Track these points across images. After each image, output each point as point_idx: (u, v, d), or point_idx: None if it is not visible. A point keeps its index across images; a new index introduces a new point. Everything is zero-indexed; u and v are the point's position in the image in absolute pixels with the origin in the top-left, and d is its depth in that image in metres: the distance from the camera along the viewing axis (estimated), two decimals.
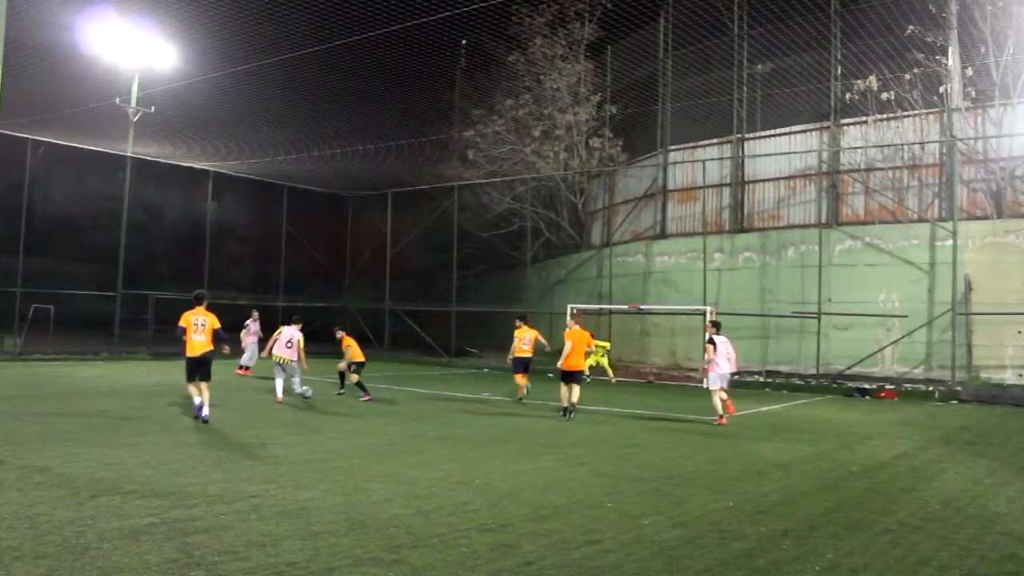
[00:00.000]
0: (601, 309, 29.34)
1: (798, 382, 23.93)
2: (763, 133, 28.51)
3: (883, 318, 23.44)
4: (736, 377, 16.72)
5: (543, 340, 18.87)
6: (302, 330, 17.16)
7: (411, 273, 39.63)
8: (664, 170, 30.57)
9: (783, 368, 25.01)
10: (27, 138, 30.45)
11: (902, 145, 25.13)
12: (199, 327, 13.12)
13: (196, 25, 24.10)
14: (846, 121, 26.41)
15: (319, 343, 26.71)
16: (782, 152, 27.66)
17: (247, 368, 22.80)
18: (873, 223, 25.05)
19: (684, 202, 30.18)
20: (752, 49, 28.36)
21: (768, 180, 28.11)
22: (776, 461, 10.62)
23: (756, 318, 25.66)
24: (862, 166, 26.04)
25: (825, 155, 26.81)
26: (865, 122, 25.54)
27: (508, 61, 32.83)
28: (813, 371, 24.13)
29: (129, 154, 30.94)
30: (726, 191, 28.91)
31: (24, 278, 29.66)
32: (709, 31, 28.62)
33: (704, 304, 25.61)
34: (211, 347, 13.25)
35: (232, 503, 7.32)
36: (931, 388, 21.78)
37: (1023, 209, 23.20)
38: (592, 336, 17.80)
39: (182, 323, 13.17)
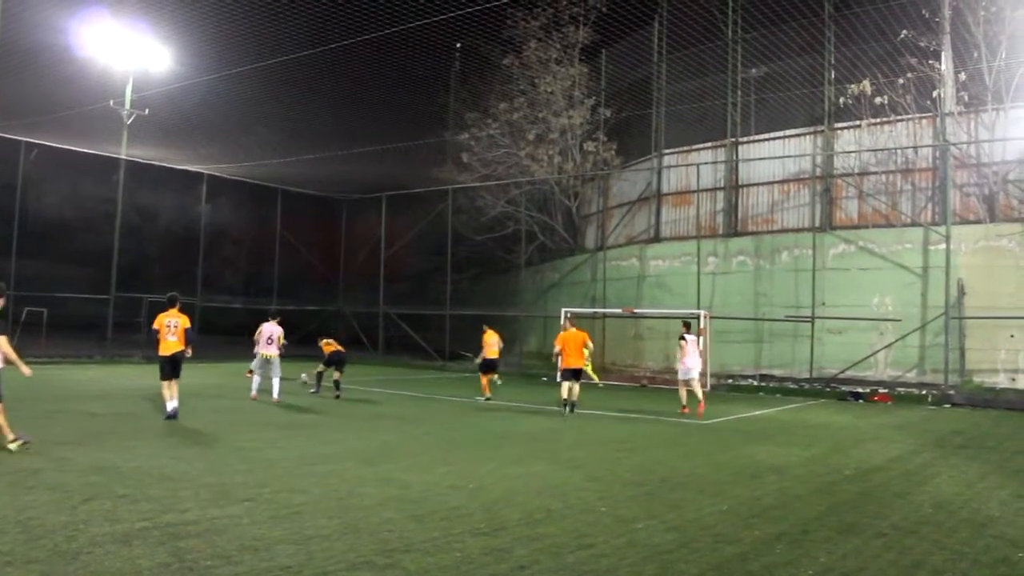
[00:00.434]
0: (595, 313, 29.34)
1: (792, 386, 23.96)
2: (757, 137, 28.55)
3: (876, 322, 23.48)
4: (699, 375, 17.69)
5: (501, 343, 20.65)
6: (280, 324, 17.85)
7: (405, 276, 39.59)
8: (658, 174, 30.60)
9: (777, 372, 25.04)
10: (20, 140, 30.38)
11: (895, 149, 25.20)
12: (171, 328, 13.72)
13: (191, 27, 24.06)
14: (840, 125, 26.45)
15: (312, 347, 26.69)
16: (776, 156, 27.71)
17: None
18: (867, 227, 25.10)
19: (678, 206, 30.21)
20: (746, 53, 28.41)
21: (762, 184, 28.16)
22: (770, 465, 10.63)
23: (750, 322, 25.70)
24: (856, 170, 26.09)
25: (819, 159, 26.85)
26: (859, 126, 25.59)
27: (503, 65, 32.84)
28: (807, 375, 24.15)
29: (123, 157, 30.88)
30: (720, 195, 28.95)
31: (17, 281, 29.51)
32: (703, 35, 28.66)
33: (698, 308, 25.64)
34: (182, 347, 13.82)
35: (225, 507, 7.30)
36: (924, 392, 21.82)
37: (1016, 213, 23.26)
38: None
39: (155, 324, 13.85)
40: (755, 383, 24.73)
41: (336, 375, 18.82)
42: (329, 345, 19.46)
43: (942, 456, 11.90)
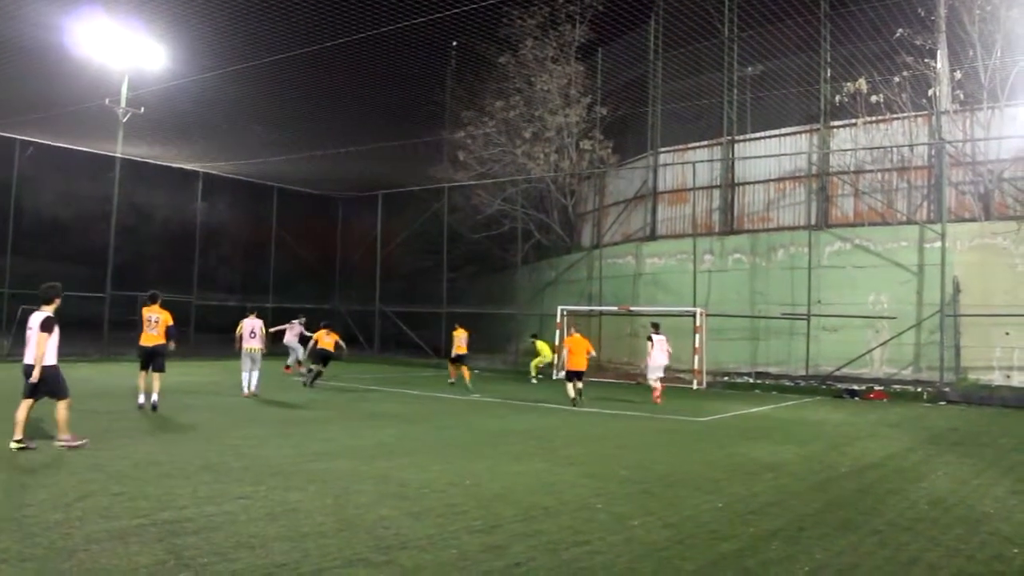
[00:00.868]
0: (591, 311, 29.35)
1: (788, 383, 24.00)
2: (753, 135, 28.57)
3: (872, 320, 23.53)
4: (670, 371, 19.83)
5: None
6: (259, 317, 18.24)
7: (401, 274, 39.58)
8: (654, 172, 30.61)
9: (773, 369, 25.07)
10: (15, 138, 30.29)
11: (891, 147, 25.24)
12: (151, 323, 14.42)
13: (186, 25, 24.00)
14: (835, 123, 26.48)
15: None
16: (772, 154, 27.74)
17: (289, 367, 24.89)
18: (862, 225, 25.13)
19: (674, 204, 30.23)
20: (742, 51, 28.42)
21: (758, 182, 28.18)
22: (766, 462, 10.64)
23: (746, 319, 25.73)
24: (851, 168, 26.13)
25: (815, 157, 26.89)
26: (854, 124, 25.62)
27: (499, 63, 32.82)
28: (802, 372, 24.19)
29: (118, 155, 30.80)
30: (716, 193, 28.96)
31: (12, 279, 29.50)
32: (699, 33, 28.66)
33: (694, 306, 25.67)
34: (162, 341, 14.44)
35: (221, 504, 7.29)
36: (920, 389, 21.87)
37: (1011, 211, 23.31)
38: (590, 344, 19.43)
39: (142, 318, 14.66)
40: (751, 381, 24.77)
41: (318, 368, 20.57)
42: (330, 335, 20.71)
43: (937, 453, 11.92)
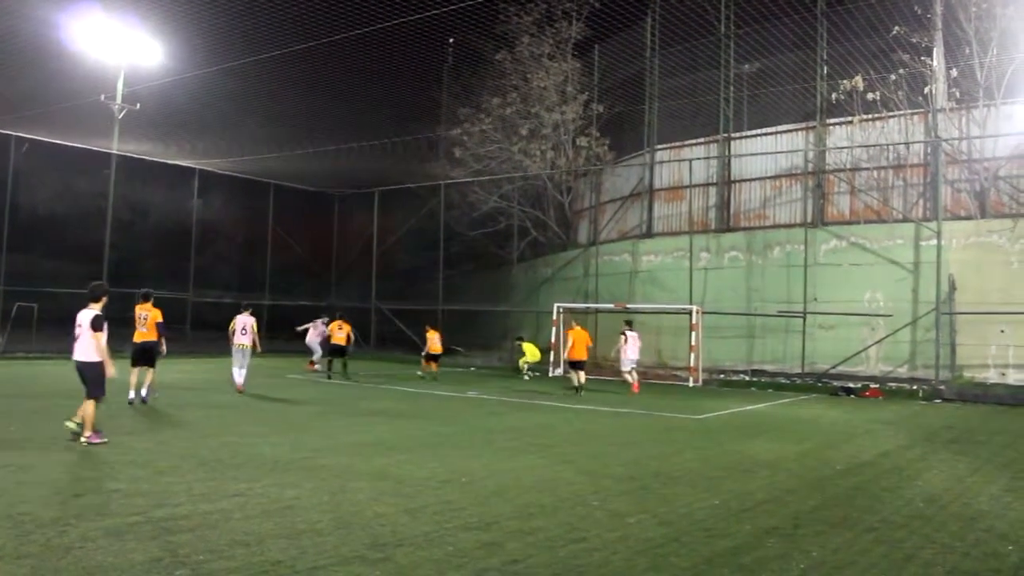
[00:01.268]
0: (587, 308, 29.37)
1: (783, 381, 24.02)
2: (749, 133, 28.59)
3: (868, 317, 23.56)
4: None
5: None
6: (252, 315, 18.57)
7: (398, 272, 39.52)
8: (651, 169, 30.62)
9: (769, 367, 25.10)
10: (10, 135, 30.22)
11: (887, 145, 25.25)
12: (142, 320, 15.14)
13: (182, 21, 23.95)
14: (832, 121, 26.49)
15: (303, 343, 26.64)
16: (768, 152, 27.75)
17: (312, 363, 25.49)
18: (858, 223, 25.16)
19: (670, 201, 30.24)
20: (739, 49, 28.42)
21: (754, 180, 28.20)
22: (762, 459, 10.66)
23: (742, 317, 25.75)
24: (847, 166, 26.16)
25: (811, 155, 26.90)
26: (851, 122, 25.63)
27: (495, 60, 32.81)
28: (798, 370, 24.22)
29: (114, 151, 30.73)
30: (712, 190, 28.98)
31: (7, 276, 29.43)
32: (696, 31, 28.66)
33: (690, 303, 25.68)
34: (153, 337, 15.08)
35: (217, 502, 7.29)
36: (915, 387, 21.90)
37: (1006, 209, 23.36)
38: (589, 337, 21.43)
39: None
40: (747, 378, 24.79)
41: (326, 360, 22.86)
42: (342, 329, 22.64)
43: (933, 451, 11.95)
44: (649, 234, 30.08)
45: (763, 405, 18.73)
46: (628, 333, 21.64)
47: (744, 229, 27.60)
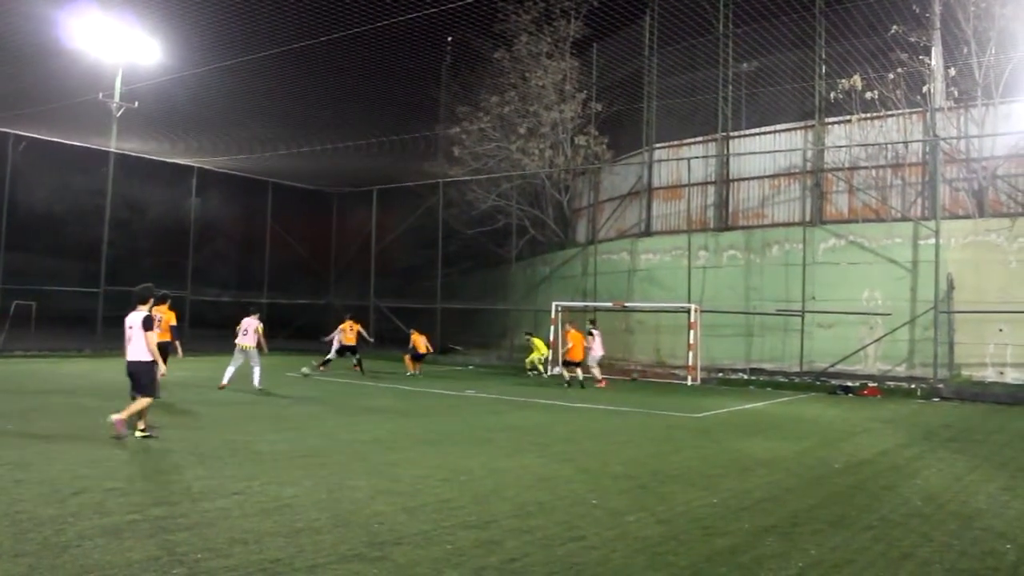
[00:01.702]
0: (586, 307, 29.36)
1: (782, 380, 24.02)
2: (748, 131, 28.60)
3: (866, 316, 23.57)
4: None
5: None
6: (260, 319, 18.74)
7: (396, 270, 39.54)
8: (649, 168, 30.62)
9: (767, 366, 25.11)
10: (8, 133, 30.20)
11: (885, 144, 25.26)
12: (156, 322, 15.31)
13: (180, 19, 23.95)
14: (830, 120, 26.51)
15: (303, 341, 26.64)
16: (767, 151, 27.77)
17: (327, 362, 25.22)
18: (857, 222, 25.17)
19: (669, 200, 30.25)
20: (737, 48, 28.43)
21: (752, 178, 28.22)
22: (760, 458, 10.66)
23: (740, 316, 25.76)
24: (846, 165, 26.17)
25: (809, 154, 26.92)
26: (849, 121, 25.65)
27: (494, 58, 32.79)
28: (797, 369, 24.23)
29: (112, 150, 30.72)
30: (711, 189, 28.99)
31: (5, 274, 29.41)
32: (694, 29, 28.66)
33: (689, 302, 25.68)
34: (167, 339, 15.40)
35: (215, 500, 7.28)
36: (913, 386, 21.91)
37: (1005, 208, 23.37)
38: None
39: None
40: (745, 377, 24.79)
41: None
42: (352, 328, 23.84)
43: (931, 449, 11.96)
44: (647, 233, 30.08)
45: (761, 404, 18.74)
46: (594, 331, 23.15)
47: (743, 228, 27.61)
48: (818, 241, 24.81)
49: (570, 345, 22.16)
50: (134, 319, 10.94)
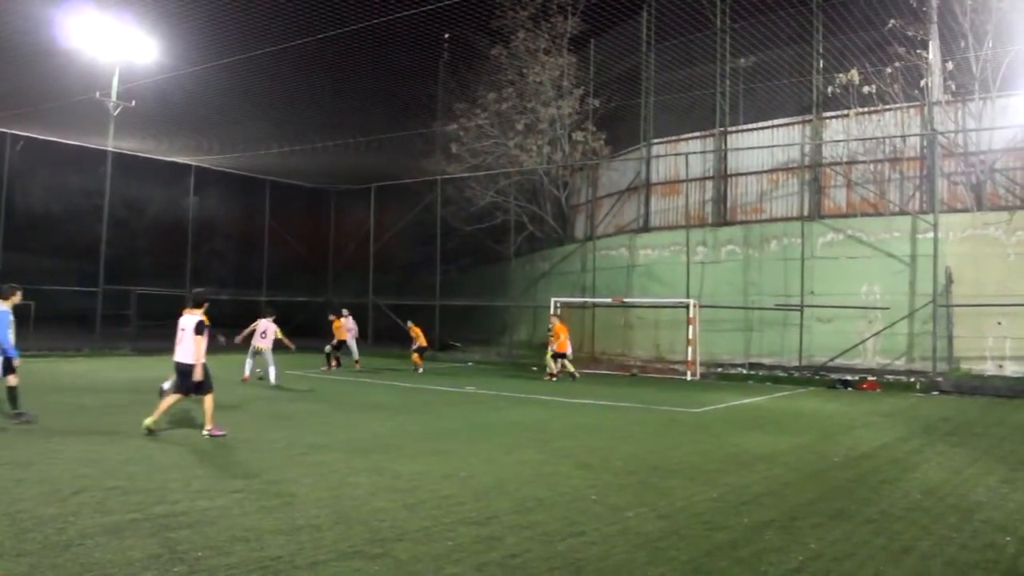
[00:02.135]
0: (585, 302, 29.38)
1: (781, 374, 24.04)
2: (746, 126, 28.58)
3: (865, 310, 23.58)
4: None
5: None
6: (275, 321, 19.40)
7: (395, 267, 39.53)
8: (647, 163, 30.61)
9: (766, 360, 25.12)
10: (5, 132, 30.17)
11: (883, 138, 25.26)
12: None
13: (177, 18, 23.91)
14: (828, 114, 26.49)
15: (304, 338, 26.63)
16: (764, 145, 27.76)
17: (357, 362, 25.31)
18: (855, 216, 25.17)
19: (667, 195, 30.24)
20: (735, 43, 28.40)
21: (751, 173, 28.20)
22: (759, 452, 10.67)
23: (739, 311, 25.77)
24: (844, 159, 26.15)
25: (807, 148, 26.91)
26: (847, 115, 25.64)
27: (491, 55, 32.76)
28: (796, 363, 24.24)
29: (110, 149, 30.69)
30: (709, 184, 28.98)
31: (3, 274, 29.34)
32: (692, 25, 28.60)
33: (687, 297, 25.69)
34: None
35: (215, 498, 7.29)
36: (912, 379, 21.93)
37: (1003, 202, 23.37)
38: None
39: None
40: (744, 372, 24.81)
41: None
42: (341, 322, 24.29)
43: (930, 443, 11.97)
44: (646, 228, 30.08)
45: (761, 398, 18.76)
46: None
47: (741, 223, 27.61)
48: (816, 235, 24.82)
49: (562, 338, 22.81)
50: (187, 322, 11.31)
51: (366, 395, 17.62)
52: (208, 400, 11.11)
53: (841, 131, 26.19)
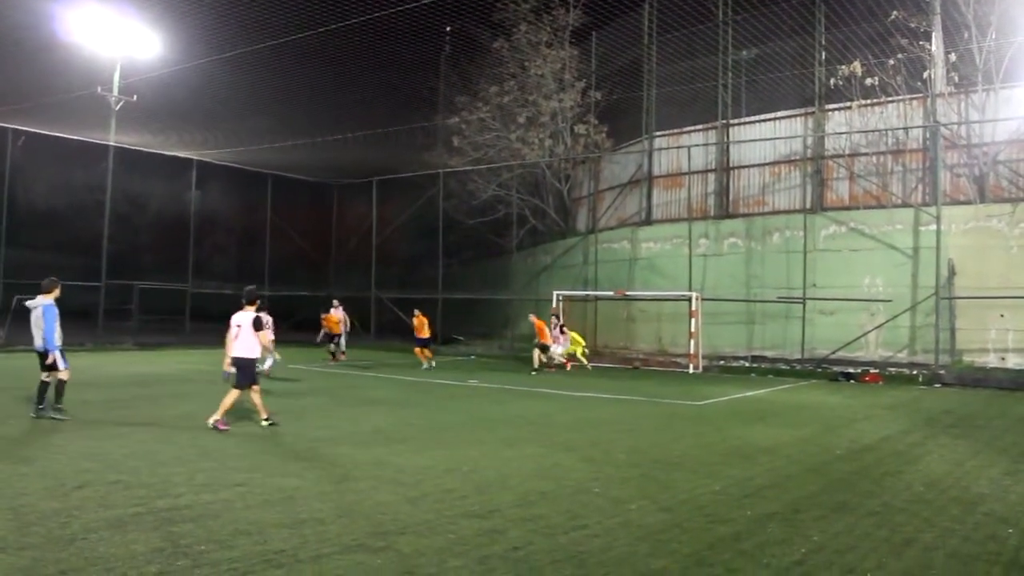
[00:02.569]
0: (587, 296, 29.37)
1: (783, 367, 24.04)
2: (748, 119, 28.52)
3: (867, 303, 23.55)
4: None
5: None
6: (270, 313, 19.48)
7: (397, 261, 39.53)
8: (649, 156, 30.56)
9: (768, 353, 25.11)
10: (7, 127, 30.15)
11: (886, 130, 25.20)
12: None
13: (178, 12, 23.87)
14: (830, 107, 26.43)
15: (304, 333, 26.70)
16: (767, 138, 27.70)
17: (343, 353, 25.53)
18: (857, 208, 25.13)
19: (669, 188, 30.19)
20: (737, 35, 28.32)
21: (753, 166, 28.16)
22: (762, 445, 10.67)
23: (742, 303, 25.74)
24: (846, 151, 26.11)
25: (809, 140, 26.86)
26: (849, 107, 25.56)
27: (493, 48, 32.69)
28: (798, 356, 24.23)
29: (111, 143, 30.68)
30: (711, 177, 28.94)
31: (6, 269, 29.43)
32: (694, 17, 28.53)
33: (690, 290, 25.67)
34: None
35: (218, 492, 7.30)
36: (915, 372, 21.92)
37: (1006, 194, 23.32)
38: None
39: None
40: (747, 364, 24.80)
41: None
42: (332, 315, 24.62)
43: (932, 435, 11.97)
44: (648, 221, 30.05)
45: (763, 391, 18.75)
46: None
47: (743, 215, 27.57)
48: (819, 228, 24.78)
49: (546, 332, 23.57)
50: (242, 318, 11.68)
51: (369, 389, 17.63)
52: (256, 393, 11.63)
53: (844, 123, 26.13)
